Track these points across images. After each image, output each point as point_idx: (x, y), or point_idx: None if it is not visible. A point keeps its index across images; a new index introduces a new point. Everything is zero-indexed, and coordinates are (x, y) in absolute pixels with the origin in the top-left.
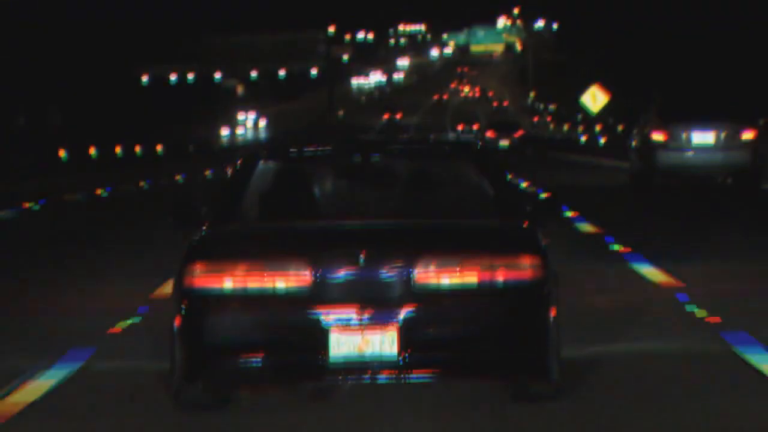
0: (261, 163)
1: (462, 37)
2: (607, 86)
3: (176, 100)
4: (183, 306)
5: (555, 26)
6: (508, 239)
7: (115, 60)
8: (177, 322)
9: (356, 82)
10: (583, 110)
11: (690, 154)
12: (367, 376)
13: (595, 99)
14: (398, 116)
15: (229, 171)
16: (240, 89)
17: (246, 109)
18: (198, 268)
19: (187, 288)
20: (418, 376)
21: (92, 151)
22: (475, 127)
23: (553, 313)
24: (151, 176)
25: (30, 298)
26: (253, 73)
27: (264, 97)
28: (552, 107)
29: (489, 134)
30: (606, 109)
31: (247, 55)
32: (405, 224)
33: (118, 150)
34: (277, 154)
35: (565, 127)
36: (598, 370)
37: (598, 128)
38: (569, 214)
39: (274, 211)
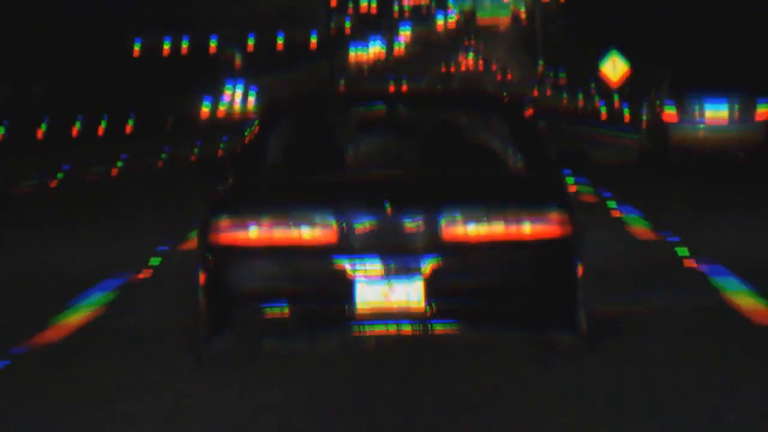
0: (283, 114)
1: (468, 3)
2: (625, 55)
3: (169, 70)
4: (209, 258)
5: None
6: (535, 191)
7: (102, 25)
8: (202, 275)
9: (354, 50)
10: (603, 78)
11: (703, 127)
12: (393, 327)
13: (615, 67)
14: (404, 88)
15: (253, 123)
16: (238, 60)
17: (235, 80)
18: (224, 221)
19: (213, 241)
20: (444, 326)
21: (75, 130)
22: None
23: (579, 265)
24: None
25: None
26: (251, 42)
27: (263, 67)
28: (562, 75)
29: None
30: (627, 81)
31: (245, 21)
32: (430, 174)
33: (99, 127)
34: (299, 105)
35: (581, 98)
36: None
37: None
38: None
39: (297, 162)
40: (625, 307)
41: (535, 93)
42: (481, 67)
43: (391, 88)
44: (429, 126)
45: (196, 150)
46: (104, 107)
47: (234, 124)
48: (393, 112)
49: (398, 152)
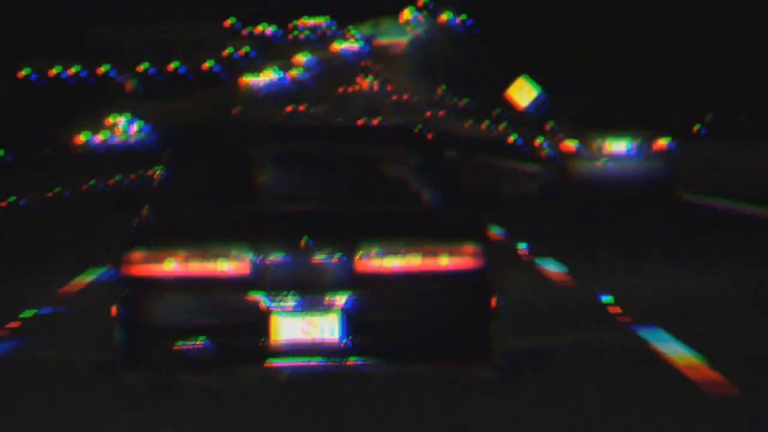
0: (198, 145)
1: (367, 29)
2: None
3: (58, 98)
4: (124, 292)
5: (461, 20)
6: (451, 226)
7: None
8: (117, 308)
9: (251, 80)
10: (508, 105)
11: (602, 161)
12: (309, 361)
13: (522, 92)
14: (301, 108)
15: (166, 155)
16: (129, 85)
17: (122, 110)
18: (137, 255)
19: (128, 273)
20: (361, 362)
21: None
22: (374, 122)
23: (494, 298)
24: None
25: None
26: (143, 69)
27: (159, 93)
28: (465, 100)
29: None
30: (535, 105)
31: (140, 49)
32: (346, 209)
33: None
34: (214, 137)
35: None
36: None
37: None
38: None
39: (212, 196)
40: (538, 343)
41: (428, 114)
42: (376, 88)
43: (301, 122)
44: (346, 160)
45: (91, 182)
46: None
47: (116, 153)
48: (309, 146)
49: (314, 186)
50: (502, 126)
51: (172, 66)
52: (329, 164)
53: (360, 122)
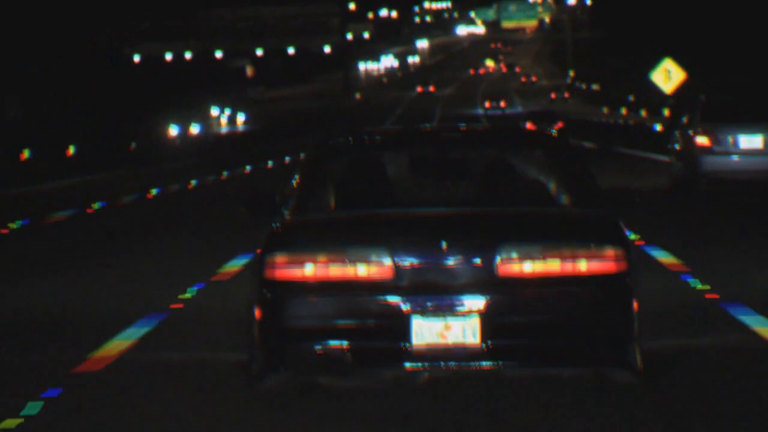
0: (336, 152)
1: (491, 13)
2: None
3: (173, 84)
4: (265, 294)
5: (589, 2)
6: (591, 229)
7: (95, 40)
8: (258, 311)
9: (364, 67)
10: (649, 89)
11: (736, 159)
12: (447, 364)
13: (668, 77)
14: (431, 89)
15: (303, 160)
16: (250, 71)
17: (223, 101)
18: (279, 259)
19: (269, 277)
20: (500, 364)
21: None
22: (502, 104)
23: (635, 304)
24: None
25: None
26: (260, 54)
27: (277, 79)
28: (595, 87)
29: (528, 127)
30: (683, 90)
31: (252, 31)
32: (484, 212)
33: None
34: (349, 141)
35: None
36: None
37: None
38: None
39: (350, 199)
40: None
41: (553, 95)
42: (504, 70)
43: (440, 128)
44: (480, 164)
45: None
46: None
47: (223, 144)
48: (445, 150)
49: (451, 190)
50: (634, 112)
51: (289, 50)
52: (465, 168)
53: (488, 104)
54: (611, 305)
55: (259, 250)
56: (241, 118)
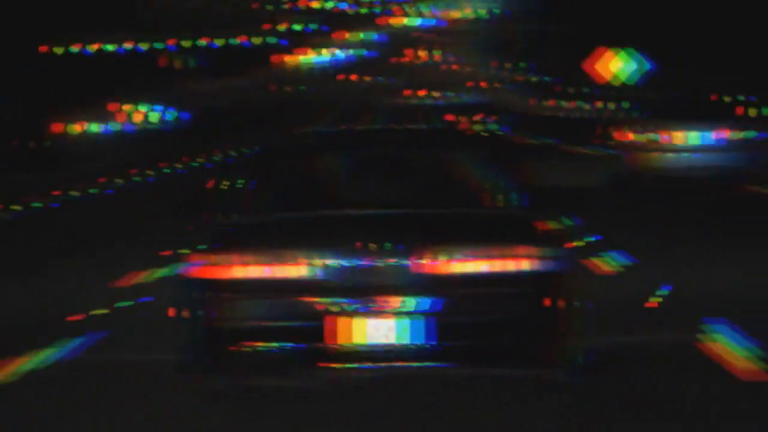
0: (267, 153)
1: (434, 1)
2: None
3: (93, 79)
4: (197, 296)
5: None
6: (525, 229)
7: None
8: (187, 312)
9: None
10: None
11: (678, 154)
12: (383, 364)
13: (620, 64)
14: (366, 78)
15: (240, 162)
16: (186, 62)
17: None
18: (209, 258)
19: (198, 277)
20: (429, 364)
21: None
22: (438, 93)
23: (571, 302)
24: None
25: None
26: (192, 45)
27: (212, 70)
28: (543, 79)
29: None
30: (642, 79)
31: (188, 23)
32: (420, 213)
33: None
34: (286, 143)
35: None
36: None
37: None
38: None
39: (281, 201)
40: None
41: (496, 84)
42: (438, 59)
43: (374, 127)
44: (418, 164)
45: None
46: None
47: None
48: (379, 151)
49: (384, 191)
50: (576, 104)
51: (224, 41)
52: (403, 168)
53: (423, 92)
54: (542, 304)
55: (187, 251)
56: (165, 114)
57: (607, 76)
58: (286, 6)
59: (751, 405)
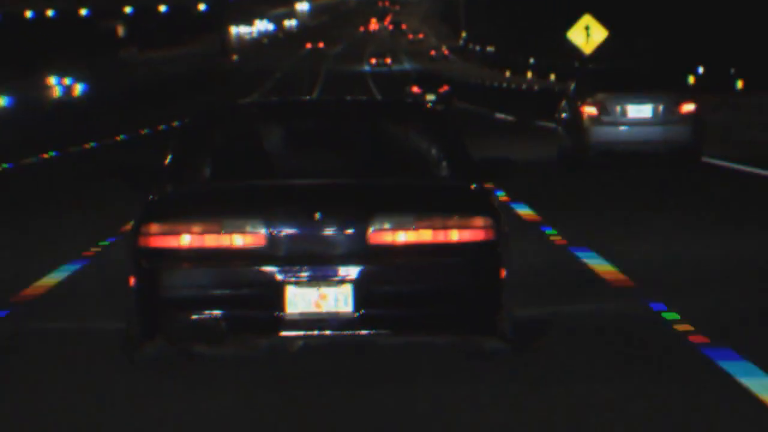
0: (211, 122)
1: None
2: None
3: (38, 46)
4: (140, 264)
5: None
6: (461, 200)
7: None
8: (133, 280)
9: (236, 30)
10: (571, 50)
11: (624, 128)
12: (322, 332)
13: (588, 35)
14: (320, 45)
15: (179, 130)
16: (120, 30)
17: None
18: (153, 228)
19: (143, 247)
20: (373, 333)
21: None
22: (387, 60)
23: (503, 272)
24: None
25: None
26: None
27: (148, 40)
28: (490, 48)
29: (413, 89)
30: (601, 50)
31: None
32: (358, 183)
33: None
34: (227, 112)
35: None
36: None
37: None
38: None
39: (226, 170)
40: (544, 311)
41: (446, 52)
42: (390, 28)
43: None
44: (358, 135)
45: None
46: None
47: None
48: (322, 122)
49: (327, 161)
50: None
51: (162, 9)
52: (342, 140)
53: (373, 60)
54: (479, 274)
55: (134, 220)
56: (80, 86)
57: (587, 47)
58: None
59: (617, 305)
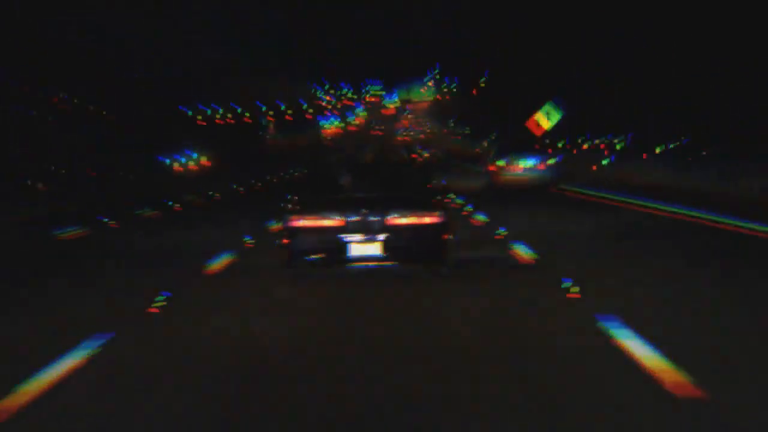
0: (317, 171)
1: (403, 93)
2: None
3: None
4: (286, 234)
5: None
6: (428, 205)
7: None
8: (285, 243)
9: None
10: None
11: (515, 173)
12: (366, 264)
13: (548, 116)
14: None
15: (304, 175)
16: (272, 128)
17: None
18: (293, 217)
19: (288, 226)
20: (390, 264)
21: None
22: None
23: (448, 236)
24: None
25: None
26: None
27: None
28: (467, 130)
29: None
30: (558, 126)
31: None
32: (383, 196)
33: None
34: (323, 167)
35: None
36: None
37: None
38: None
39: (325, 191)
40: (466, 255)
41: (445, 131)
42: (407, 125)
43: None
44: (383, 177)
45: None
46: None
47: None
48: (368, 171)
49: (370, 186)
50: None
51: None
52: (378, 178)
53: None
54: (437, 237)
55: (286, 214)
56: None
57: (539, 130)
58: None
59: (503, 253)
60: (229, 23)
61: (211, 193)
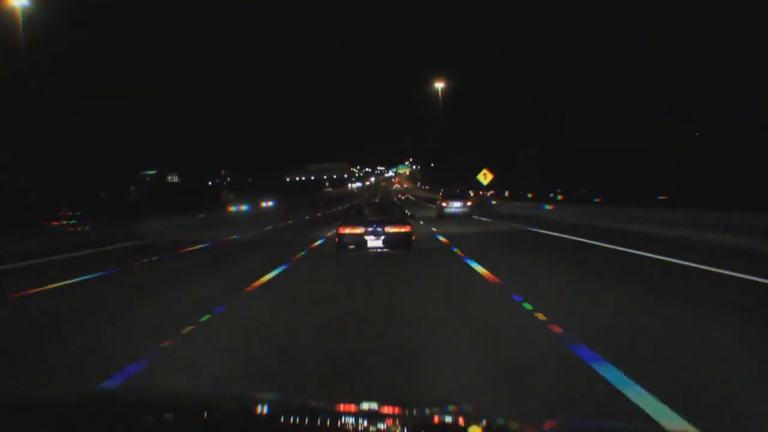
0: (352, 207)
1: (393, 168)
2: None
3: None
4: (337, 235)
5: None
6: (404, 222)
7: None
8: (336, 239)
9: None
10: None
11: (452, 209)
12: (376, 250)
13: (485, 177)
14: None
15: (347, 208)
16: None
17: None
18: (342, 227)
19: (338, 233)
20: (387, 250)
21: None
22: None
23: (414, 237)
24: None
25: None
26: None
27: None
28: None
29: (399, 196)
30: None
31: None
32: (382, 219)
33: None
34: (355, 204)
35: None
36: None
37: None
38: None
39: (354, 216)
40: (421, 246)
41: (419, 186)
42: (396, 184)
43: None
44: (383, 209)
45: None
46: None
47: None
48: (376, 207)
49: (377, 214)
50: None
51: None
52: (380, 210)
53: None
54: (408, 238)
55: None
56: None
57: (485, 182)
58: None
59: (442, 245)
60: None
61: (308, 217)
